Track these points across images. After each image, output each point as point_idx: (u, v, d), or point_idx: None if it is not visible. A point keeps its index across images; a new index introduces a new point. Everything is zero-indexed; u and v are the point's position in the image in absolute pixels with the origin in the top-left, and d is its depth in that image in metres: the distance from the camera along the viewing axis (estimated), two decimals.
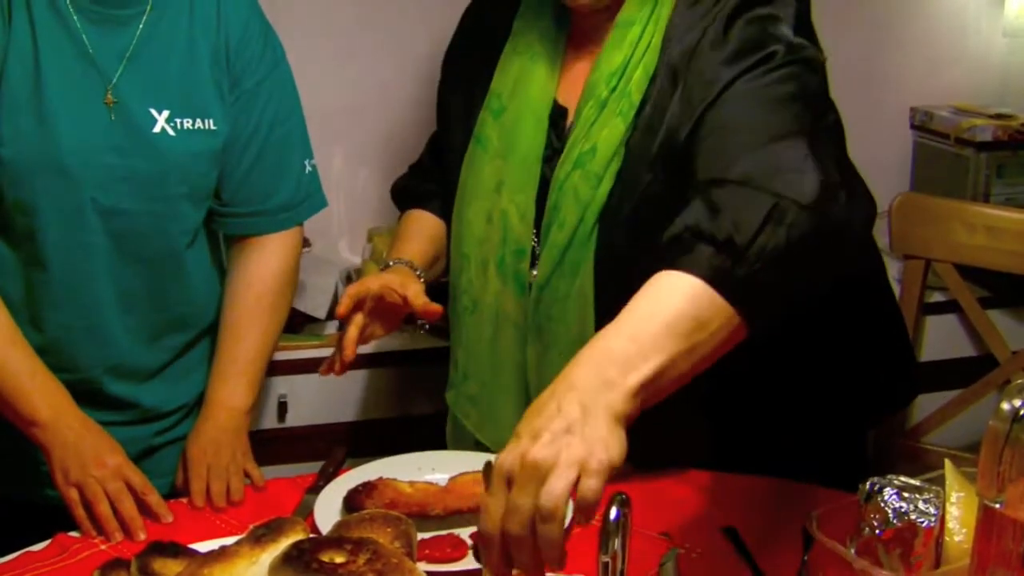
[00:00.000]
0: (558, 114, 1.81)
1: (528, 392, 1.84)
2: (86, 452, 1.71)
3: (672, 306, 1.30)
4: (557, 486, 1.16)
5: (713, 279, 1.32)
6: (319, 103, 2.59)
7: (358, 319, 1.83)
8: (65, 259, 1.81)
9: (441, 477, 1.75)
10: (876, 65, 3.18)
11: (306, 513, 1.69)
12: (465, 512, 1.65)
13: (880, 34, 3.19)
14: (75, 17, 1.76)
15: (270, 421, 2.52)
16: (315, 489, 1.75)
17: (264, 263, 1.96)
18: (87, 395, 1.86)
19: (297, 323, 2.59)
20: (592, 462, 1.18)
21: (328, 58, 2.77)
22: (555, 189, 1.76)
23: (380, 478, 1.73)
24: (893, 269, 2.89)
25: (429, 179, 2.06)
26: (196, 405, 1.95)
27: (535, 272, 1.80)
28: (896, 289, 2.53)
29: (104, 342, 1.88)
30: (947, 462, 1.52)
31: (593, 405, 1.22)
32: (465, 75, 1.94)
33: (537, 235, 1.80)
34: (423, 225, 2.01)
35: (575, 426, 1.20)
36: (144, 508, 1.70)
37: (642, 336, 1.27)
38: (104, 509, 1.67)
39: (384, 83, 2.81)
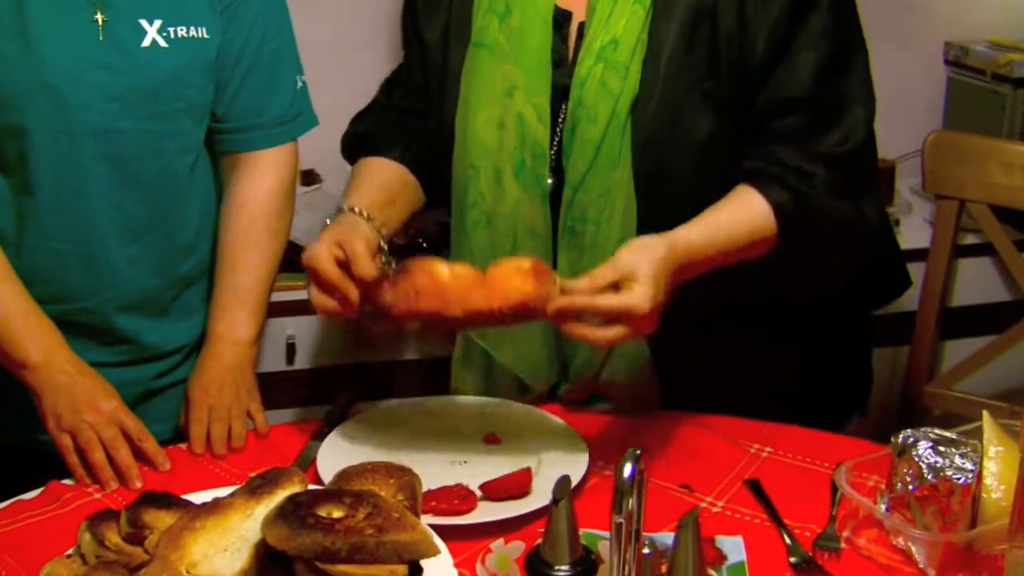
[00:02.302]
0: (561, 17, 1.76)
1: None
2: (79, 396, 1.65)
3: (745, 223, 1.64)
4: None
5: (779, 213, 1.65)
6: (326, 35, 2.54)
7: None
8: (57, 183, 1.74)
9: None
10: None
11: (309, 461, 1.63)
12: (486, 313, 1.48)
13: None
14: None
15: (278, 363, 2.47)
16: (320, 436, 1.69)
17: (258, 181, 1.90)
18: (87, 330, 1.81)
19: None
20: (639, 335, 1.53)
21: None
22: (577, 86, 1.71)
23: (415, 258, 1.53)
24: (925, 210, 2.82)
25: (396, 120, 1.95)
26: (197, 347, 1.89)
27: (550, 181, 1.75)
28: (928, 231, 2.45)
29: (103, 271, 1.81)
30: (985, 414, 1.46)
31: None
32: None
33: (552, 140, 1.74)
34: (374, 170, 1.87)
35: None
36: (140, 455, 1.65)
37: (717, 242, 1.61)
38: (99, 457, 1.62)
39: (390, 14, 2.73)
